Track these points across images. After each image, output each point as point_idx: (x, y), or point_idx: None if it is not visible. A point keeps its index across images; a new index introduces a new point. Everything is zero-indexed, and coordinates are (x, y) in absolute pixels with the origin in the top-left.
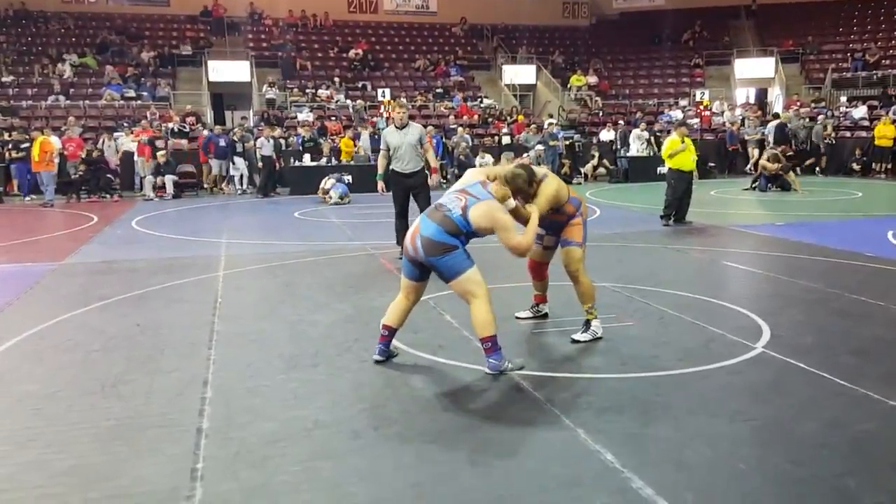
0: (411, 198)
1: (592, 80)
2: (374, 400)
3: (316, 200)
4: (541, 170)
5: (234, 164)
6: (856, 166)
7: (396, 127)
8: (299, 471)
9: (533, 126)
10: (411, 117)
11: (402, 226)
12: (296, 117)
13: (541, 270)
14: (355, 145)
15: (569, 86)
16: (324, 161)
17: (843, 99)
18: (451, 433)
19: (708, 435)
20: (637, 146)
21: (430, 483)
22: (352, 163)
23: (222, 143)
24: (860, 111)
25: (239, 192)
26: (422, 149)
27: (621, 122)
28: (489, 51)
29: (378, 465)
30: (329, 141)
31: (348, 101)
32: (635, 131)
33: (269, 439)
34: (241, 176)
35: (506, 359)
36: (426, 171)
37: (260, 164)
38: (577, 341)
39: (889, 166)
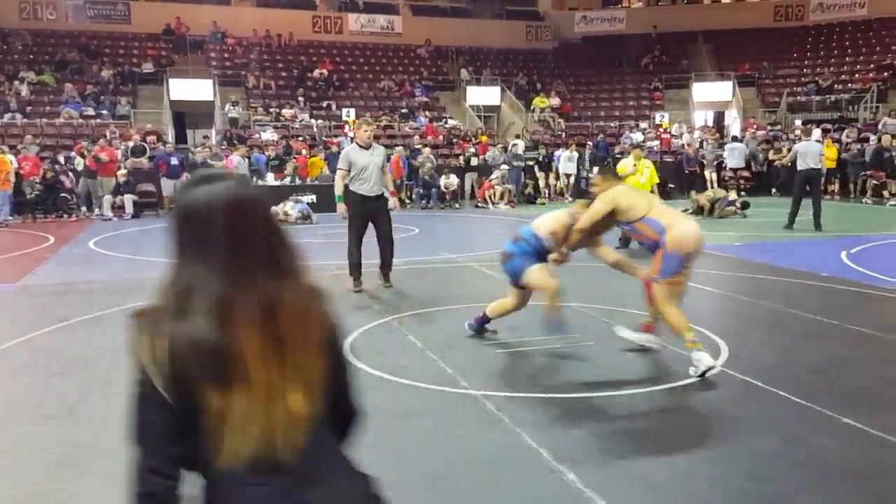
0: (369, 224)
1: (555, 102)
2: None
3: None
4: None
5: None
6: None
7: (360, 146)
8: None
9: (499, 146)
10: (376, 137)
11: (358, 255)
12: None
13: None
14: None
15: (532, 107)
16: (287, 180)
17: (798, 122)
18: (412, 455)
19: (668, 453)
20: (568, 168)
21: None
22: (316, 182)
23: (174, 161)
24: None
25: None
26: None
27: (589, 143)
28: (454, 72)
29: None
30: (294, 160)
31: (313, 121)
32: (565, 153)
33: None
34: None
35: (481, 329)
36: (387, 196)
37: None
38: (693, 376)
39: (834, 187)
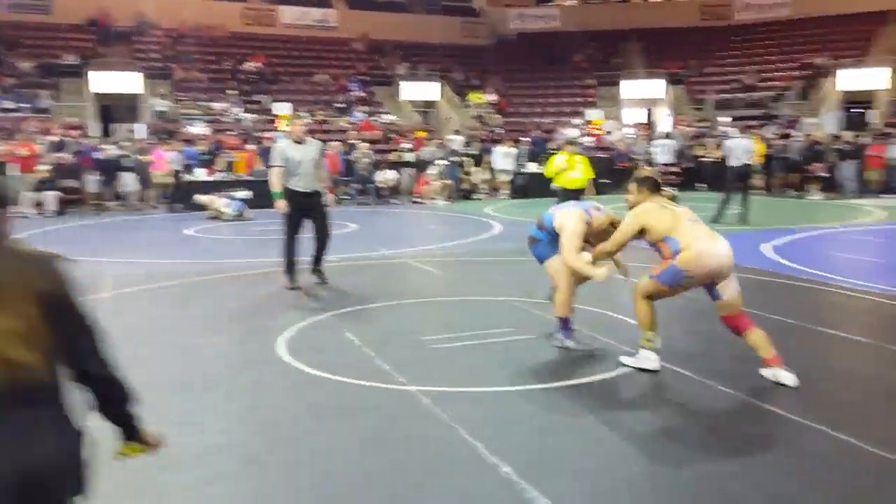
0: (304, 219)
1: (492, 97)
2: (269, 422)
3: (210, 216)
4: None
5: (119, 178)
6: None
7: (295, 141)
8: (190, 496)
9: (434, 141)
10: (311, 132)
11: (293, 253)
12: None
13: (732, 324)
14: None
15: (468, 103)
16: (220, 175)
17: (726, 119)
18: (349, 453)
19: (600, 443)
20: (506, 164)
21: None
22: (252, 178)
23: (96, 156)
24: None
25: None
26: (317, 166)
27: (524, 138)
28: (391, 67)
29: (273, 488)
30: (233, 153)
31: (245, 115)
32: (501, 149)
33: (158, 465)
34: (128, 192)
35: (571, 339)
36: (324, 191)
37: (173, 178)
38: (623, 364)
39: (762, 182)
